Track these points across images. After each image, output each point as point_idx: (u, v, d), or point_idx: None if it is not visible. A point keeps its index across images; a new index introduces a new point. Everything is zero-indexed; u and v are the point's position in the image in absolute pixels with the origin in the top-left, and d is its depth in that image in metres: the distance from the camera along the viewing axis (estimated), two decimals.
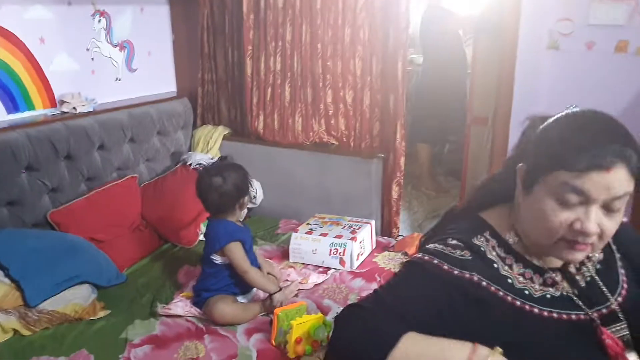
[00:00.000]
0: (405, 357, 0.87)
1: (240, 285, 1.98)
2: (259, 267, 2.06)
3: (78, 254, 2.09)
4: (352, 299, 2.04)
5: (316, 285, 2.15)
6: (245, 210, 2.02)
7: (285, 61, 2.79)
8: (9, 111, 2.31)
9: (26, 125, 2.21)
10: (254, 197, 2.86)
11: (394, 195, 2.64)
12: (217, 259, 1.95)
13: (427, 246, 1.03)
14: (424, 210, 4.14)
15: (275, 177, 2.90)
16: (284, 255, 2.41)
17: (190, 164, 2.80)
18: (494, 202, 1.07)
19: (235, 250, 1.92)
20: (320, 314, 1.78)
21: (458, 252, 0.98)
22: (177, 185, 2.69)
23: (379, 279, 2.20)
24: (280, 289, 1.96)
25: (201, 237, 2.53)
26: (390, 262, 2.33)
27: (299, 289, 2.09)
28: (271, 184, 2.90)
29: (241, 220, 2.03)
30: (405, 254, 2.38)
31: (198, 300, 1.96)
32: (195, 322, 1.91)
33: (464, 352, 0.86)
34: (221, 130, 3.03)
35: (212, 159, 2.84)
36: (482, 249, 0.99)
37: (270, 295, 1.93)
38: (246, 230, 2.02)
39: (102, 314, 1.98)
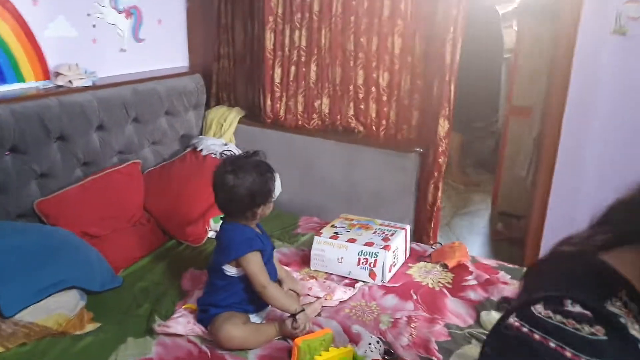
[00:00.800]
0: None
1: (255, 302, 1.68)
2: (279, 282, 1.75)
3: (66, 253, 1.79)
4: (385, 321, 1.73)
5: (342, 302, 1.83)
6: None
7: (312, 35, 2.45)
8: None
9: (11, 100, 1.90)
10: None
11: (430, 198, 2.30)
12: (231, 270, 1.64)
13: (533, 309, 0.69)
14: (452, 206, 3.81)
15: (296, 167, 2.57)
16: (304, 260, 2.10)
17: (200, 150, 2.48)
18: (622, 240, 0.73)
19: (254, 262, 1.61)
20: (349, 348, 1.48)
21: (586, 329, 0.65)
22: (185, 174, 2.37)
23: (415, 297, 1.88)
24: (303, 309, 1.65)
25: (211, 234, 2.22)
26: (428, 275, 2.01)
27: (322, 306, 1.78)
28: (291, 176, 2.56)
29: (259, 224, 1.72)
30: (444, 266, 2.05)
31: (203, 317, 1.66)
32: (198, 344, 1.61)
33: None
34: (237, 112, 2.71)
35: (225, 145, 2.52)
36: (621, 321, 0.66)
37: (291, 315, 1.62)
38: (265, 237, 1.71)
39: (90, 327, 1.68)
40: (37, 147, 1.95)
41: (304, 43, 2.48)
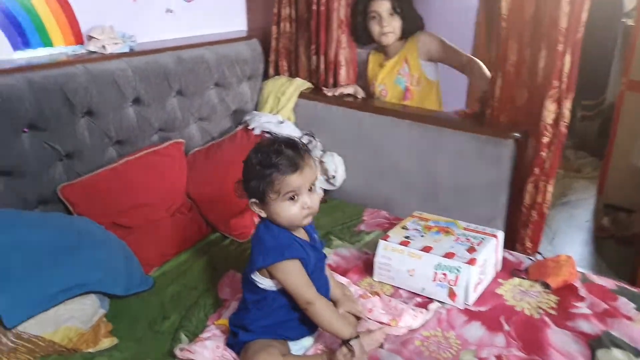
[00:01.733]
0: None
1: (296, 325, 1.33)
2: (332, 302, 1.39)
3: (87, 250, 1.51)
4: None
5: (410, 330, 1.45)
6: (307, 216, 1.29)
7: None
8: (15, 47, 1.74)
9: (28, 68, 1.63)
10: (333, 176, 2.17)
11: (527, 200, 1.83)
12: (263, 282, 1.30)
13: None
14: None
15: (364, 151, 2.18)
16: (366, 267, 1.72)
17: (253, 128, 2.14)
18: None
19: (293, 272, 1.26)
20: None
21: None
22: (235, 156, 2.01)
23: (507, 327, 1.45)
24: (358, 335, 1.28)
25: None
26: (524, 298, 1.57)
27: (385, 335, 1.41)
28: (357, 161, 2.19)
29: (302, 225, 1.32)
30: (546, 286, 1.61)
31: (234, 342, 1.34)
32: None
33: None
34: (298, 84, 2.34)
35: (281, 122, 2.16)
36: None
37: (344, 342, 1.26)
38: (311, 244, 1.34)
39: (106, 343, 1.41)
40: (60, 124, 1.68)
41: None
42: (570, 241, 2.87)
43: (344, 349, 1.25)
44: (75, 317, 1.41)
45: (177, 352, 1.33)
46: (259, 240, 1.30)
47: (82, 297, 1.45)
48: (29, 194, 1.65)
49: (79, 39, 1.88)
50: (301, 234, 1.34)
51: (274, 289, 1.30)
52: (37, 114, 1.61)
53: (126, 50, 1.90)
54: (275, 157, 1.23)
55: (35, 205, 1.69)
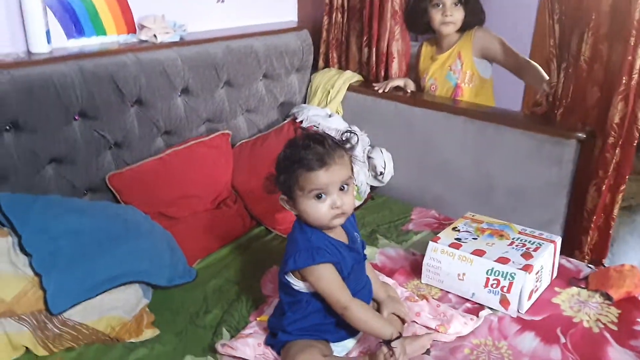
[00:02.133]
0: None
1: (334, 328, 1.28)
2: (376, 303, 1.34)
3: (133, 240, 1.50)
4: None
5: (459, 337, 1.38)
6: (337, 217, 1.22)
7: None
8: (69, 35, 1.75)
9: (79, 56, 1.64)
10: (381, 172, 2.11)
11: (589, 204, 1.72)
12: (296, 283, 1.26)
13: None
14: None
15: (414, 147, 2.11)
16: (414, 269, 1.66)
17: (301, 121, 2.10)
18: None
19: (325, 277, 1.21)
20: None
21: None
22: (281, 148, 2.01)
23: (563, 340, 1.36)
24: (400, 334, 1.23)
25: None
26: (582, 309, 1.47)
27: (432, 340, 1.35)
28: (407, 157, 2.12)
29: (332, 226, 1.23)
30: (607, 297, 1.50)
31: (273, 342, 1.30)
32: None
33: None
34: (347, 77, 2.28)
35: (329, 116, 2.11)
36: None
37: (385, 342, 1.20)
38: (349, 245, 1.29)
39: (148, 334, 1.40)
40: (110, 112, 1.68)
41: None
42: (632, 249, 2.70)
43: (384, 349, 1.19)
44: (118, 306, 1.40)
45: (219, 348, 1.31)
46: (292, 240, 1.26)
47: (126, 286, 1.45)
48: (78, 182, 1.67)
49: (131, 27, 1.88)
50: (337, 235, 1.27)
51: (309, 291, 1.26)
52: (88, 102, 1.62)
53: (176, 39, 1.89)
54: (303, 151, 1.18)
55: (83, 193, 1.70)
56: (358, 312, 1.22)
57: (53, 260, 1.37)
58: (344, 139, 1.26)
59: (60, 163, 1.62)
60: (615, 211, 1.72)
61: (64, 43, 1.74)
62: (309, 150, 1.18)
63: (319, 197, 1.19)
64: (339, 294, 1.21)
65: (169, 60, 1.80)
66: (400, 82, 2.18)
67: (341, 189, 1.20)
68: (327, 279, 1.20)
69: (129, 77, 1.70)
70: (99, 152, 1.70)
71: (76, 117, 1.62)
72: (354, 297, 1.23)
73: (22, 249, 1.36)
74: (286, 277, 1.26)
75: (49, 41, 1.64)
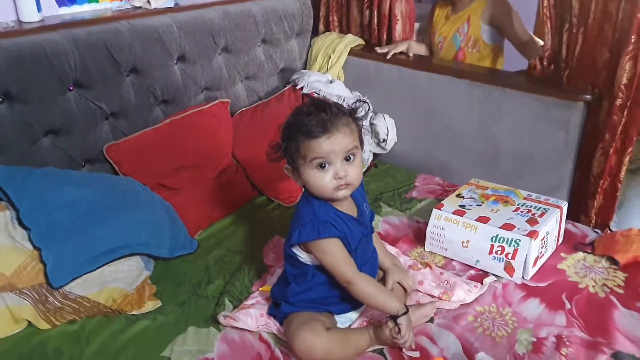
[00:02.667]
0: None
1: (338, 301, 1.27)
2: (383, 272, 1.32)
3: (132, 211, 1.49)
4: (523, 340, 1.24)
5: (463, 304, 1.36)
6: (341, 188, 1.17)
7: None
8: (61, 3, 1.70)
9: (71, 24, 1.59)
10: (384, 139, 2.07)
11: (595, 168, 1.69)
12: (303, 256, 1.24)
13: None
14: None
15: (417, 113, 2.06)
16: (417, 236, 1.64)
17: (301, 87, 2.05)
18: None
19: (330, 252, 1.18)
20: None
21: None
22: (282, 117, 1.95)
23: (569, 306, 1.35)
24: (407, 309, 1.21)
25: None
26: (588, 274, 1.45)
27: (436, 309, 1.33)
28: (410, 123, 2.08)
29: (336, 197, 1.19)
30: (613, 262, 1.48)
31: (276, 312, 1.29)
32: (271, 345, 1.26)
33: None
34: (349, 41, 2.22)
35: (330, 82, 2.06)
36: None
37: (391, 317, 1.19)
38: (357, 218, 1.25)
39: (150, 306, 1.39)
40: (106, 82, 1.64)
41: None
42: (638, 213, 2.67)
43: (390, 324, 1.19)
44: (119, 278, 1.39)
45: (221, 319, 1.30)
46: (298, 213, 1.23)
47: (127, 258, 1.44)
48: (75, 153, 1.64)
49: None
50: (346, 207, 1.24)
51: (314, 264, 1.24)
52: (82, 72, 1.58)
53: (171, 5, 1.84)
54: (305, 118, 1.14)
55: (81, 165, 1.68)
56: (364, 286, 1.20)
57: (52, 234, 1.36)
58: (353, 107, 1.22)
59: (56, 135, 1.59)
60: (622, 174, 1.68)
61: (55, 11, 1.69)
62: (312, 116, 1.14)
63: (322, 166, 1.15)
64: (344, 268, 1.18)
65: (164, 26, 1.75)
66: (403, 47, 2.13)
67: (347, 159, 1.16)
68: (333, 253, 1.18)
69: (124, 45, 1.65)
70: (96, 122, 1.67)
71: (71, 88, 1.59)
72: (360, 271, 1.21)
73: (21, 223, 1.34)
74: (292, 248, 1.24)
75: (39, 9, 1.60)
